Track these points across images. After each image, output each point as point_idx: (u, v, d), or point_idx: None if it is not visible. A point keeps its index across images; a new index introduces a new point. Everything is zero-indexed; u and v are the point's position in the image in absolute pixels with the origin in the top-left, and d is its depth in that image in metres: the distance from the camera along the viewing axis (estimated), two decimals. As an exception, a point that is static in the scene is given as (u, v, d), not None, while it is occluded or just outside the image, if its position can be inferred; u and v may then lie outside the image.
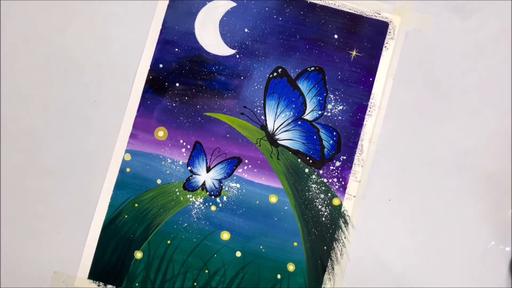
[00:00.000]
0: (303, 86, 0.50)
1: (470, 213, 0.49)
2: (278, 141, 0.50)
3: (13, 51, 0.51)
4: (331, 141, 0.50)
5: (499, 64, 0.51)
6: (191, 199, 0.49)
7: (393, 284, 0.48)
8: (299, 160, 0.49)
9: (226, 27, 0.51)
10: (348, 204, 0.48)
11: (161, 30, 0.51)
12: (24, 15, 0.51)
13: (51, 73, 0.50)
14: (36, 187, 0.49)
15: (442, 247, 0.49)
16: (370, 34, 0.51)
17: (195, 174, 0.49)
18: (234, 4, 0.51)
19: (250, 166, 0.49)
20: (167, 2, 0.51)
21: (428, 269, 0.48)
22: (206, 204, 0.49)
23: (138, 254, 0.48)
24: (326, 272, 0.48)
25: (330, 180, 0.49)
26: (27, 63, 0.50)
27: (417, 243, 0.49)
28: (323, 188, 0.49)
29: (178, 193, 0.49)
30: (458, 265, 0.48)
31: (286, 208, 0.49)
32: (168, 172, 0.49)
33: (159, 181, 0.49)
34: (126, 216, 0.48)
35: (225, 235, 0.48)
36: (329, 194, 0.49)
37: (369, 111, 0.50)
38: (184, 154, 0.49)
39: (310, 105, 0.50)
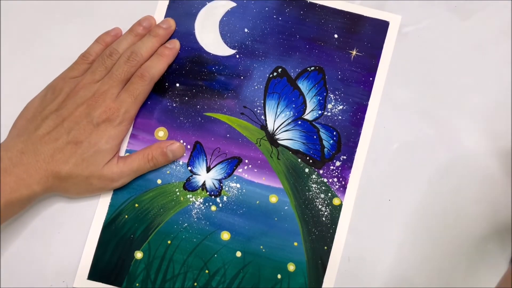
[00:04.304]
0: (303, 86, 0.50)
1: (470, 213, 0.49)
2: (278, 141, 0.50)
3: (13, 51, 0.51)
4: (331, 141, 0.50)
5: (499, 64, 0.51)
6: (191, 199, 0.49)
7: (393, 284, 0.48)
8: (299, 160, 0.49)
9: (226, 27, 0.51)
10: (349, 204, 0.48)
11: (161, 30, 0.51)
12: (24, 15, 0.51)
13: (51, 73, 0.50)
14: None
15: (442, 247, 0.49)
16: (370, 33, 0.51)
17: (195, 174, 0.49)
18: (234, 4, 0.51)
19: (250, 166, 0.49)
20: (167, 3, 0.51)
21: (428, 269, 0.48)
22: (206, 204, 0.49)
23: (139, 254, 0.48)
24: (326, 272, 0.47)
25: (330, 180, 0.49)
26: (27, 63, 0.50)
27: (417, 243, 0.49)
28: (323, 188, 0.49)
29: (178, 193, 0.49)
30: (458, 265, 0.48)
31: (286, 208, 0.49)
32: (168, 172, 0.49)
33: (159, 181, 0.49)
34: (126, 216, 0.48)
35: (225, 235, 0.48)
36: (329, 194, 0.49)
37: (369, 110, 0.50)
38: (184, 154, 0.49)
39: (310, 105, 0.50)
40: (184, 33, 0.51)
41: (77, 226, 0.48)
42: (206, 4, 0.51)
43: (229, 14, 0.51)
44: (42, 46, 0.51)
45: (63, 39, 0.51)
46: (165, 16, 0.51)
